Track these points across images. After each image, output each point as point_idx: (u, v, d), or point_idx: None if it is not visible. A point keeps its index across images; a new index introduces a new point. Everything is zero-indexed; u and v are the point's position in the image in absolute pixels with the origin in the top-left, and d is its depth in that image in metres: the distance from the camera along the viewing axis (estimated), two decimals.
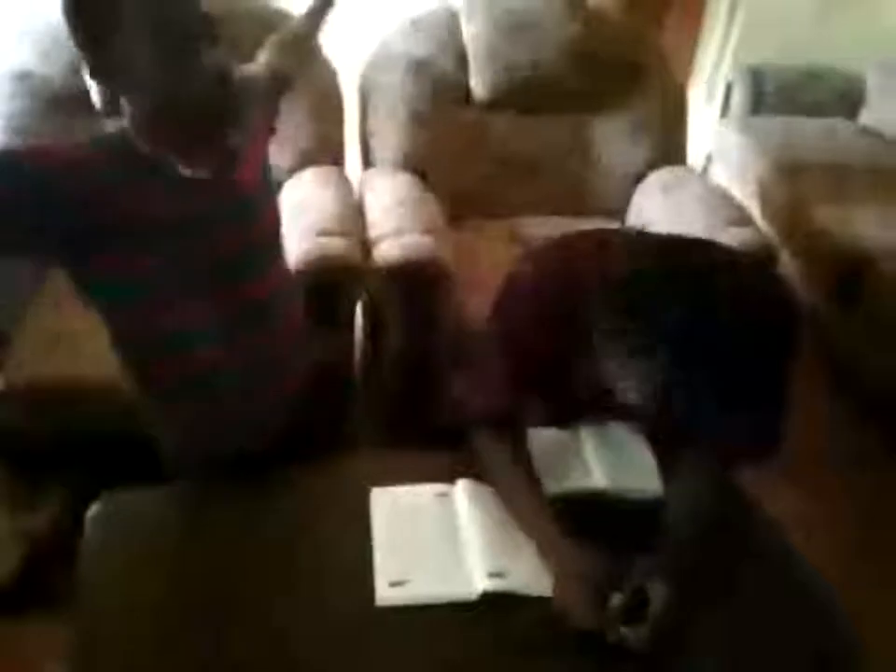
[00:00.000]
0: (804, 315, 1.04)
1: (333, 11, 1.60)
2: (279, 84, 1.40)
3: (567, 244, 1.22)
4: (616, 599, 1.01)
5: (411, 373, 2.06)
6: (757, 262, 1.21)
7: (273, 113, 1.36)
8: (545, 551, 1.10)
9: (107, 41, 0.99)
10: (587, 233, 1.25)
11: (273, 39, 1.48)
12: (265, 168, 1.26)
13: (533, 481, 1.20)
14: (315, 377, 1.40)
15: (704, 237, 1.09)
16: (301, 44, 1.57)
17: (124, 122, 1.07)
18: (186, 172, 1.08)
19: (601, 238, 1.20)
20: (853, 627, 1.10)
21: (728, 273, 0.97)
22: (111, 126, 1.09)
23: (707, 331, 0.91)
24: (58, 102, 2.15)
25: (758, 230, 2.18)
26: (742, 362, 0.93)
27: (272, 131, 1.35)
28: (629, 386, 0.97)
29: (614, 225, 2.45)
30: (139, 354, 1.21)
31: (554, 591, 1.06)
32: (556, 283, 1.13)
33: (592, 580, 1.03)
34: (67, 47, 2.27)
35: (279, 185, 2.15)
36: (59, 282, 2.04)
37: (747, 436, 1.05)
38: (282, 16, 2.28)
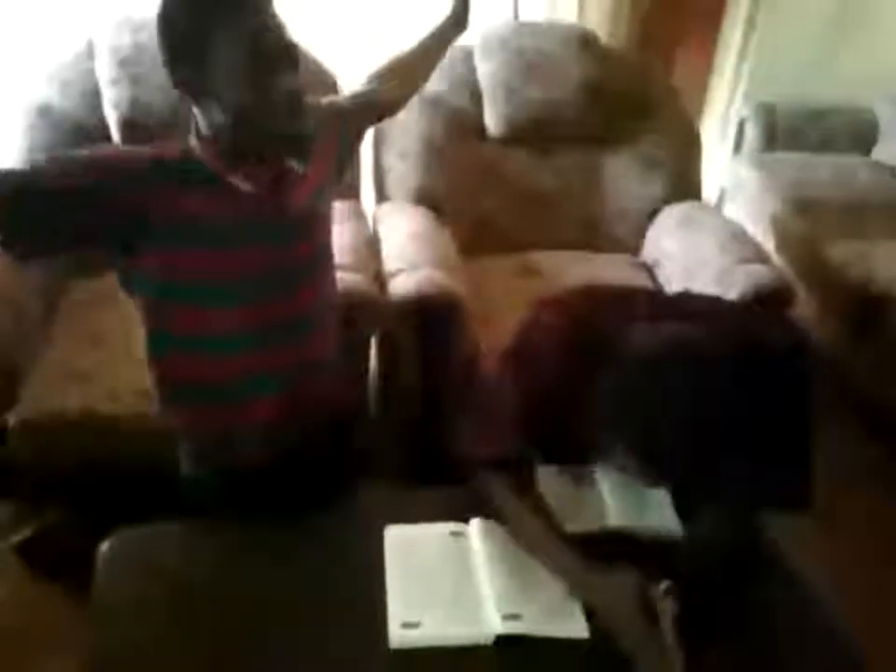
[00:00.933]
0: (821, 370, 1.06)
1: (461, 34, 1.60)
2: (365, 114, 1.44)
3: (591, 295, 1.23)
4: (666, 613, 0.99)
5: (424, 408, 2.05)
6: (775, 323, 1.23)
7: (345, 143, 1.39)
8: (570, 578, 1.09)
9: (196, 59, 1.06)
10: (610, 289, 1.26)
11: (383, 65, 1.50)
12: (319, 195, 1.28)
13: (546, 516, 1.19)
14: (327, 416, 1.40)
15: (724, 299, 1.12)
16: (412, 69, 1.55)
17: (189, 139, 1.15)
18: (241, 185, 1.15)
19: (623, 295, 1.21)
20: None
21: (744, 343, 0.99)
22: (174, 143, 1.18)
23: (721, 403, 0.92)
24: (77, 135, 2.18)
25: (774, 266, 2.17)
26: (762, 427, 0.94)
27: (340, 163, 1.38)
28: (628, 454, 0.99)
29: (629, 261, 2.46)
30: (170, 352, 1.24)
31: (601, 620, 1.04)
32: (576, 335, 1.14)
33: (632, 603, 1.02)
34: (86, 80, 2.32)
35: None
36: (72, 317, 2.07)
37: (775, 497, 1.06)
38: (303, 57, 2.32)
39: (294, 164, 1.19)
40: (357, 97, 1.44)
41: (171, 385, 1.27)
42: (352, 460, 1.47)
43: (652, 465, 1.03)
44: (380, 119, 1.53)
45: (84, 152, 1.15)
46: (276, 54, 1.09)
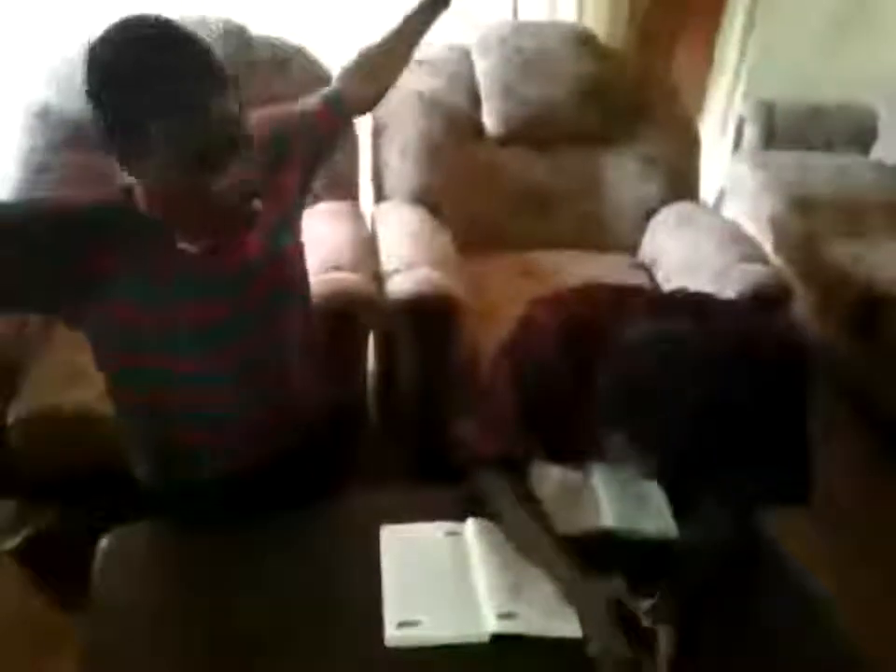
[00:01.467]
0: (817, 368, 1.06)
1: (441, 13, 1.43)
2: (336, 117, 1.35)
3: (587, 294, 1.22)
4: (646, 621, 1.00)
5: (422, 407, 2.05)
6: (772, 321, 1.24)
7: (315, 155, 1.31)
8: (561, 583, 1.09)
9: (131, 136, 0.97)
10: (609, 287, 1.26)
11: (352, 60, 1.40)
12: (276, 237, 1.20)
13: (541, 517, 1.19)
14: (325, 416, 1.39)
15: (722, 297, 1.12)
16: (385, 60, 1.43)
17: (132, 184, 1.06)
18: (183, 246, 1.08)
19: (622, 294, 1.21)
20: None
21: (741, 340, 1.00)
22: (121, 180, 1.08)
23: (719, 401, 0.93)
24: (76, 137, 2.18)
25: (772, 265, 2.17)
26: (757, 424, 0.94)
27: (308, 177, 1.31)
28: (627, 447, 0.99)
29: (627, 260, 2.46)
30: (121, 384, 1.19)
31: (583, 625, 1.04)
32: (572, 333, 1.14)
33: (617, 609, 1.02)
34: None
35: None
36: None
37: (772, 494, 1.06)
38: (300, 54, 2.33)
39: (241, 217, 1.09)
40: (327, 98, 1.34)
41: (124, 406, 1.23)
42: (348, 459, 1.47)
43: (650, 456, 1.02)
44: (354, 117, 1.44)
45: (21, 204, 1.09)
46: (218, 150, 0.98)
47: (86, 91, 0.98)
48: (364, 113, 1.48)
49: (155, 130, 0.95)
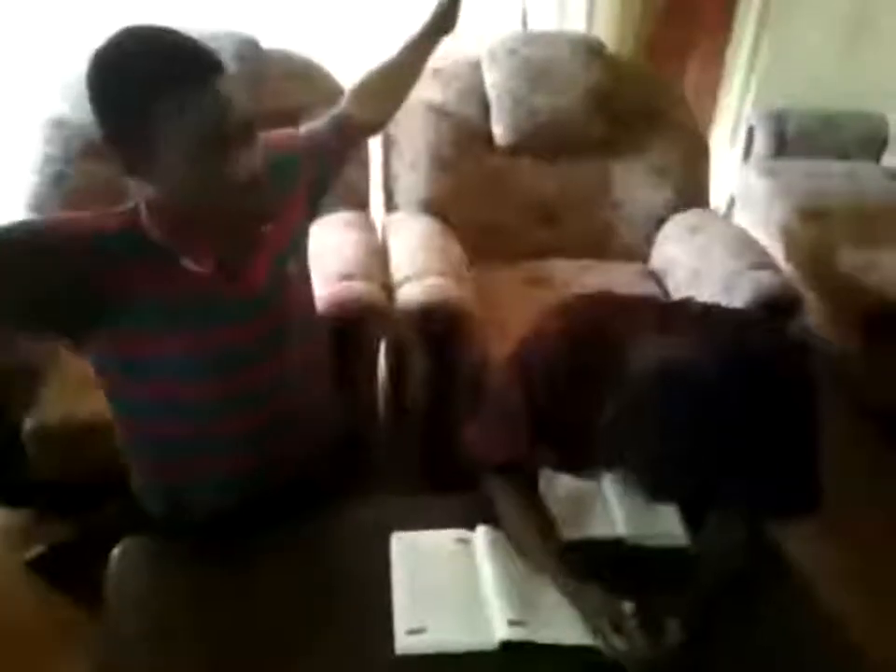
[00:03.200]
0: (826, 379, 1.07)
1: (446, 34, 1.43)
2: (343, 140, 1.35)
3: (597, 303, 1.23)
4: (631, 622, 1.01)
5: (433, 416, 2.06)
6: (775, 333, 1.24)
7: (321, 177, 1.31)
8: (564, 590, 1.10)
9: (137, 141, 0.97)
10: (615, 297, 1.26)
11: (358, 82, 1.40)
12: (284, 259, 1.19)
13: (545, 525, 1.20)
14: (337, 430, 1.39)
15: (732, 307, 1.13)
16: (391, 83, 1.43)
17: (137, 205, 1.06)
18: (191, 266, 1.07)
19: (632, 303, 1.22)
20: None
21: (748, 354, 1.00)
22: (130, 196, 1.07)
23: (725, 413, 0.93)
24: (92, 148, 2.21)
25: (782, 273, 2.17)
26: (764, 435, 0.95)
27: (317, 197, 1.31)
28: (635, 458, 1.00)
29: (637, 269, 2.46)
30: (128, 415, 1.18)
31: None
32: (583, 343, 1.14)
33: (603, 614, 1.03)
34: None
35: None
36: None
37: (780, 505, 1.07)
38: (312, 67, 2.35)
39: (248, 239, 1.10)
40: (334, 120, 1.34)
41: (131, 438, 1.22)
42: (359, 468, 1.48)
43: (661, 482, 1.03)
44: (360, 139, 1.44)
45: (24, 227, 1.07)
46: (225, 134, 0.97)
47: (89, 98, 0.98)
48: (372, 135, 1.49)
49: (159, 113, 0.94)
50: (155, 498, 1.27)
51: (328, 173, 1.34)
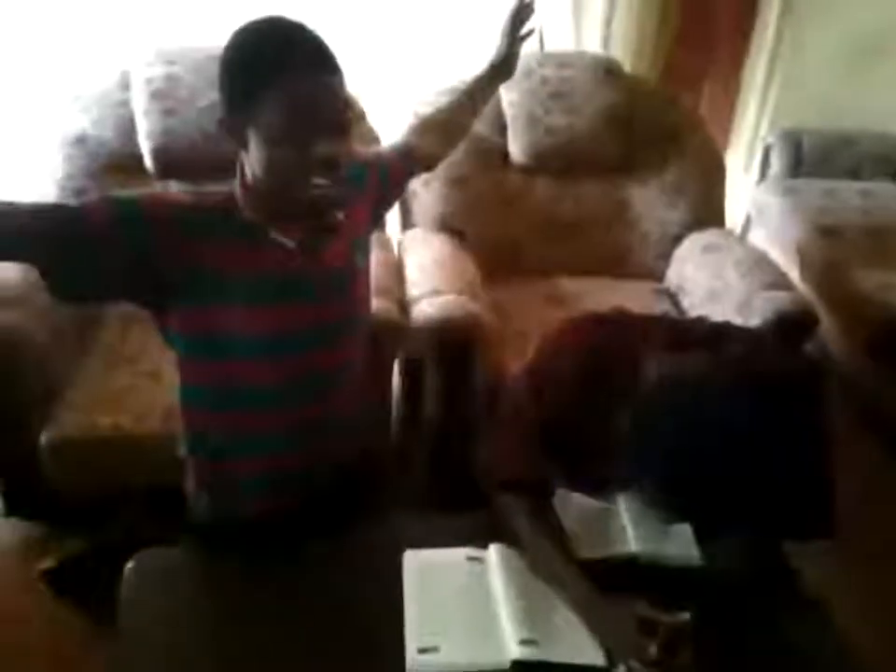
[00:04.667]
0: (839, 399, 1.07)
1: (504, 82, 1.57)
2: (405, 167, 1.42)
3: (611, 321, 1.23)
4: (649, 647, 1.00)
5: (446, 432, 2.06)
6: (789, 353, 1.24)
7: (384, 195, 1.38)
8: (581, 609, 1.10)
9: (244, 109, 1.05)
10: (629, 315, 1.27)
11: (420, 117, 1.50)
12: (356, 250, 1.26)
13: (560, 542, 1.20)
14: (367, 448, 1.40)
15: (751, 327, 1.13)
16: (451, 121, 1.53)
17: (234, 185, 1.14)
18: (279, 239, 1.13)
19: (646, 322, 1.22)
20: None
21: (760, 376, 1.00)
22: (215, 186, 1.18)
23: (738, 433, 0.93)
24: (113, 164, 2.24)
25: (797, 293, 2.17)
26: (777, 456, 0.95)
27: (377, 215, 1.39)
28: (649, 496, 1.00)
29: (652, 288, 2.46)
30: (202, 406, 1.23)
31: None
32: (595, 360, 1.14)
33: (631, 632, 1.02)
34: (120, 110, 2.37)
35: None
36: (106, 339, 2.12)
37: (796, 527, 1.06)
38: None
39: (330, 221, 1.18)
40: (398, 149, 1.43)
41: (198, 435, 1.27)
42: (375, 484, 1.48)
43: (673, 501, 1.03)
44: (419, 171, 1.50)
45: (124, 197, 1.15)
46: (316, 121, 1.05)
47: (219, 75, 1.07)
48: (428, 170, 1.55)
49: (263, 93, 1.03)
50: (202, 501, 1.31)
51: (389, 192, 1.41)
